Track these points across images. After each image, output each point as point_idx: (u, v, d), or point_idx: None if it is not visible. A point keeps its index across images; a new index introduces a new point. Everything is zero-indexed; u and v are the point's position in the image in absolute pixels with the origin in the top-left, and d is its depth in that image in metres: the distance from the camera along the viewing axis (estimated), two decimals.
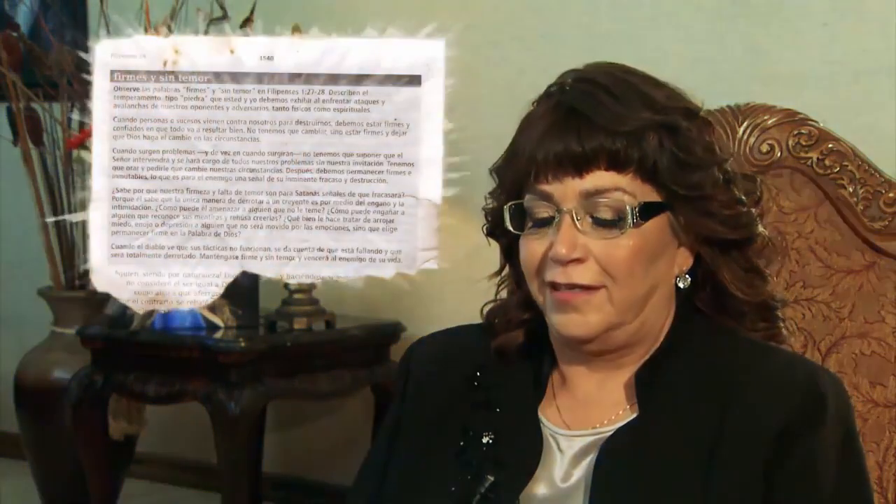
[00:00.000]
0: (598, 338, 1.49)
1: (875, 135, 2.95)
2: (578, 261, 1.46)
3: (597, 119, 1.45)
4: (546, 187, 1.47)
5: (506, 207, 1.50)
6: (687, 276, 1.52)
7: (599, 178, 1.45)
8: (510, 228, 1.50)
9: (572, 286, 1.46)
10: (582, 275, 1.46)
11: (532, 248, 1.49)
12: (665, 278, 1.50)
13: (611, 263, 1.46)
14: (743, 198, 1.51)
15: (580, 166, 1.45)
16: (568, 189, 1.46)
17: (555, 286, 1.47)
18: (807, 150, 1.86)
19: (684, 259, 1.51)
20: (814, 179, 1.85)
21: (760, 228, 1.52)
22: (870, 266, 1.83)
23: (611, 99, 1.46)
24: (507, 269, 1.58)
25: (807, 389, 1.46)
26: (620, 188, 1.46)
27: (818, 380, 1.48)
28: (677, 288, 1.53)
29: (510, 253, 1.55)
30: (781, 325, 1.57)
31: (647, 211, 1.46)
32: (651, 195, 1.47)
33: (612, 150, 1.45)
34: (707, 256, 1.51)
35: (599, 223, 1.46)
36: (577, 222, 1.46)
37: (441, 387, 1.58)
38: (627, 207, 1.45)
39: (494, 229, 1.55)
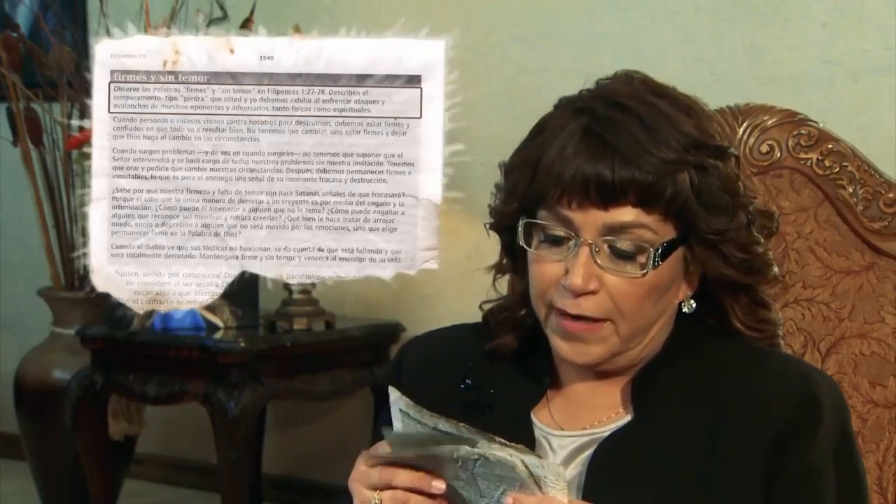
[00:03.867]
0: (600, 364, 1.49)
1: (875, 135, 2.95)
2: (592, 292, 1.45)
3: (630, 154, 1.42)
4: (568, 213, 1.44)
5: (520, 224, 1.48)
6: (692, 301, 1.51)
7: (625, 214, 1.43)
8: (523, 245, 1.48)
9: (581, 317, 1.46)
10: (592, 307, 1.45)
11: (544, 269, 1.47)
12: (671, 304, 1.50)
13: (622, 299, 1.45)
14: (761, 239, 1.50)
15: (607, 199, 1.43)
16: (590, 219, 1.44)
17: (563, 313, 1.46)
18: (806, 150, 1.85)
19: (691, 284, 1.50)
20: (813, 180, 1.85)
21: (775, 270, 1.51)
22: (869, 266, 1.83)
23: (643, 131, 1.43)
24: (505, 261, 1.57)
25: (802, 394, 1.46)
26: (644, 226, 1.43)
27: (813, 384, 1.48)
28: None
29: (512, 249, 1.54)
30: (780, 341, 1.57)
31: (667, 250, 1.45)
32: (671, 232, 1.45)
33: (643, 188, 1.42)
34: (715, 290, 1.50)
35: (618, 254, 1.44)
36: (595, 255, 1.44)
37: (433, 387, 1.58)
38: (650, 249, 1.43)
39: (499, 227, 1.54)
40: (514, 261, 1.55)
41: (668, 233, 1.45)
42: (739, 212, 1.47)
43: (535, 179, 1.46)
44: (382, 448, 1.40)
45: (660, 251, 1.44)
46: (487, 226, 1.55)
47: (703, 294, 1.51)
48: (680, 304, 1.51)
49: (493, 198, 1.53)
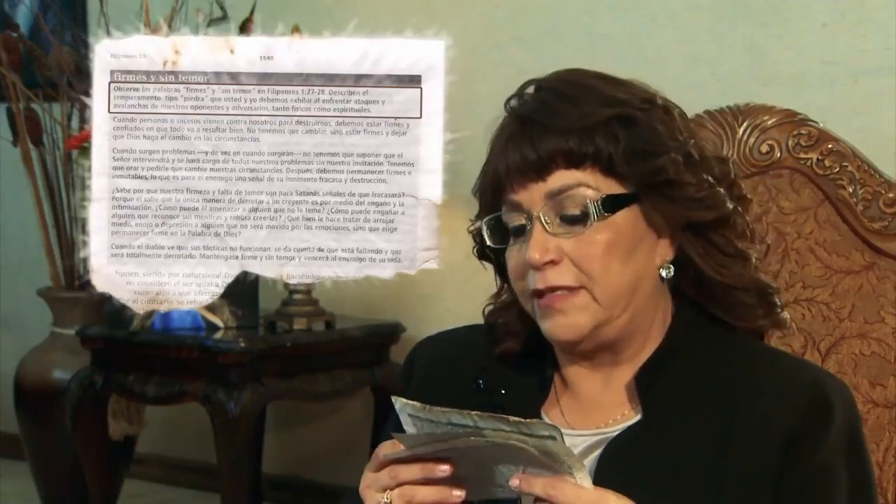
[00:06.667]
0: (588, 337, 1.49)
1: (875, 135, 2.95)
2: (553, 262, 1.47)
3: (548, 122, 1.47)
4: (514, 196, 1.49)
5: (483, 223, 1.52)
6: (670, 265, 1.52)
7: (561, 178, 1.47)
8: (489, 243, 1.52)
9: (553, 289, 1.47)
10: (558, 276, 1.47)
11: (513, 259, 1.51)
12: (647, 270, 1.50)
13: (584, 261, 1.47)
14: (711, 179, 1.50)
15: (540, 170, 1.47)
16: (534, 194, 1.48)
17: (538, 293, 1.48)
18: (806, 150, 1.86)
19: (665, 249, 1.51)
20: (813, 180, 1.85)
21: (730, 206, 1.51)
22: (869, 266, 1.83)
23: (562, 102, 1.48)
24: (505, 286, 1.59)
25: (813, 396, 1.46)
26: (583, 183, 1.47)
27: (825, 386, 1.48)
28: (672, 287, 1.53)
29: (503, 271, 1.56)
30: (780, 311, 1.56)
31: (611, 203, 1.47)
32: (616, 188, 1.48)
33: (566, 149, 1.46)
34: (685, 242, 1.51)
35: (567, 220, 1.47)
36: (546, 225, 1.47)
37: (445, 388, 1.58)
38: (589, 202, 1.46)
39: (483, 250, 1.56)
40: (504, 277, 1.56)
41: (612, 188, 1.48)
42: (673, 152, 1.48)
43: (485, 183, 1.52)
44: (385, 450, 1.40)
45: (600, 202, 1.46)
46: (475, 253, 1.57)
47: (682, 262, 1.52)
48: (662, 276, 1.51)
49: (470, 225, 1.56)
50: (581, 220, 1.47)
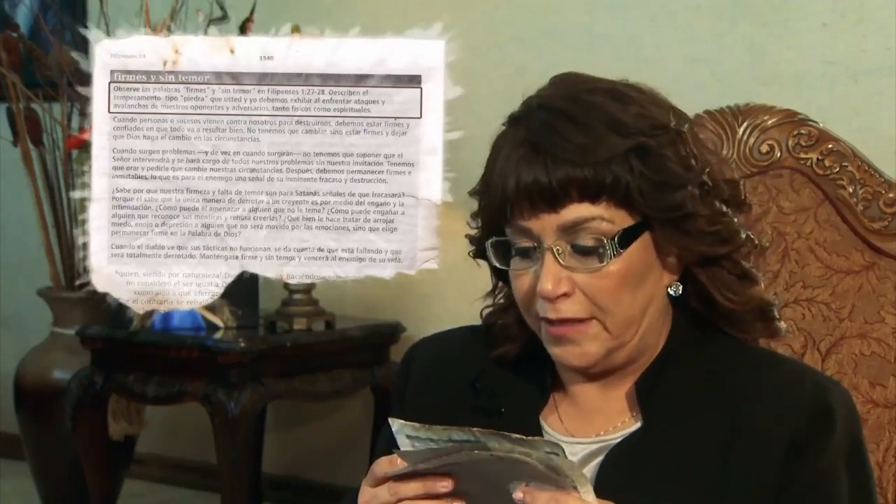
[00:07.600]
0: (599, 362, 1.49)
1: (875, 135, 2.95)
2: (565, 295, 1.44)
3: (561, 153, 1.42)
4: (524, 223, 1.45)
5: (488, 244, 1.49)
6: (678, 283, 1.50)
7: (574, 211, 1.43)
8: (496, 265, 1.49)
9: (564, 320, 1.46)
10: (571, 308, 1.45)
11: (520, 284, 1.48)
12: (656, 291, 1.49)
13: (598, 295, 1.45)
14: (724, 208, 1.48)
15: (553, 201, 1.43)
16: (545, 224, 1.44)
17: (548, 321, 1.47)
18: (806, 150, 1.86)
19: (673, 269, 1.50)
20: (813, 180, 1.85)
21: (744, 235, 1.49)
22: (869, 266, 1.83)
23: (574, 129, 1.43)
24: (500, 284, 1.58)
25: (816, 401, 1.46)
26: (597, 217, 1.44)
27: (826, 391, 1.47)
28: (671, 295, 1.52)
29: (500, 274, 1.54)
30: (778, 323, 1.55)
31: (626, 237, 1.44)
32: (628, 219, 1.45)
33: (581, 182, 1.42)
34: (693, 269, 1.49)
35: (580, 251, 1.44)
36: (558, 257, 1.44)
37: (442, 389, 1.57)
38: (605, 240, 1.44)
39: (478, 253, 1.54)
40: (503, 280, 1.55)
41: (625, 220, 1.45)
42: (689, 185, 1.45)
43: (489, 199, 1.48)
44: (380, 467, 1.39)
45: (616, 239, 1.44)
46: (471, 254, 1.55)
47: (689, 279, 1.51)
48: (668, 293, 1.50)
49: (469, 226, 1.54)
50: (594, 251, 1.44)
